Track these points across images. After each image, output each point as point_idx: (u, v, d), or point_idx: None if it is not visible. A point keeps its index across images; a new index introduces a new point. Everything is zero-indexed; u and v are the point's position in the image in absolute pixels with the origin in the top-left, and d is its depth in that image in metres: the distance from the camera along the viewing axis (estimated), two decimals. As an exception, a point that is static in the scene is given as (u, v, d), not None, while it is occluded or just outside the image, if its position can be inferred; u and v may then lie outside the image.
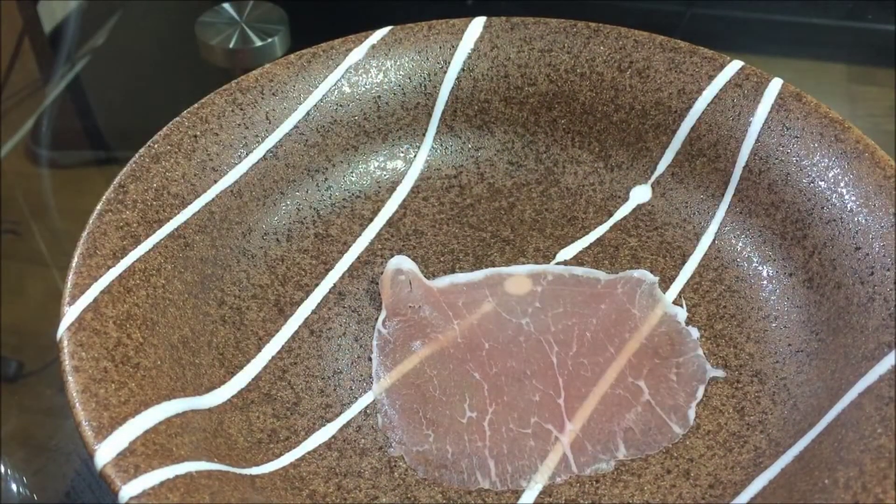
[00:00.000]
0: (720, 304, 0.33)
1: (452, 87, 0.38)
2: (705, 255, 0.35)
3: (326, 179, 0.37)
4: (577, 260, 0.35)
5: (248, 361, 0.32)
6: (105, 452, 0.24)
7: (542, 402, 0.30)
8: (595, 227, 0.36)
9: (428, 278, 0.34)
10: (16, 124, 0.51)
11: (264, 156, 0.35)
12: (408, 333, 0.32)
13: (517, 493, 0.28)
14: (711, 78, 0.36)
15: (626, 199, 0.37)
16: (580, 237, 0.36)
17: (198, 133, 0.34)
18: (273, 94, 0.36)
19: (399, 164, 0.38)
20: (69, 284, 0.28)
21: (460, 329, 0.32)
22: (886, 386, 0.26)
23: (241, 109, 0.35)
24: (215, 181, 0.34)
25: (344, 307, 0.34)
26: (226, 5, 0.53)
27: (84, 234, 0.30)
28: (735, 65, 0.36)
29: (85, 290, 0.28)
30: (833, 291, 0.31)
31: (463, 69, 0.38)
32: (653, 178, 0.37)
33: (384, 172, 0.38)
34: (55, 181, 0.49)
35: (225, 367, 0.31)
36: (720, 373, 0.31)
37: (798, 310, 0.32)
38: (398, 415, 0.30)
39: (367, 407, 0.31)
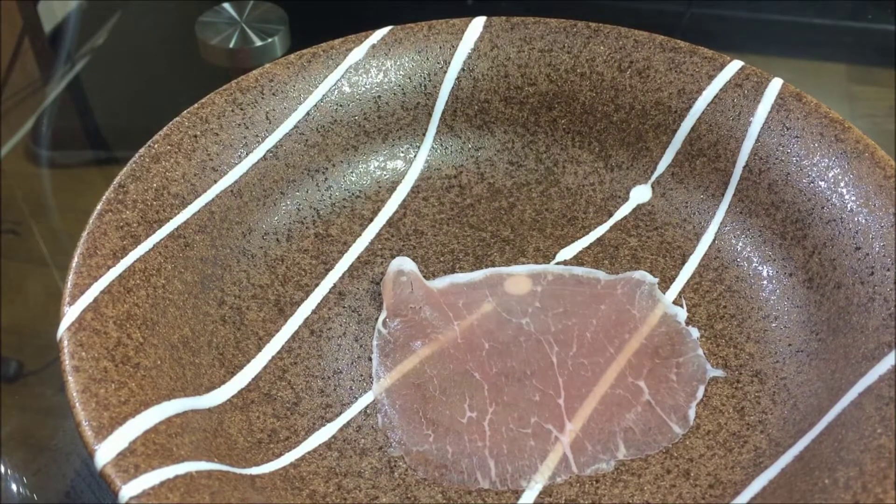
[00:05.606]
0: (720, 304, 0.33)
1: (452, 87, 0.38)
2: (705, 255, 0.35)
3: (326, 179, 0.37)
4: (577, 260, 0.35)
5: (248, 361, 0.32)
6: (105, 452, 0.24)
7: (542, 402, 0.30)
8: (595, 227, 0.36)
9: (428, 278, 0.34)
10: (16, 124, 0.51)
11: (264, 156, 0.35)
12: (408, 334, 0.32)
13: (517, 493, 0.28)
14: (711, 78, 0.36)
15: (626, 199, 0.37)
16: (580, 237, 0.36)
17: (198, 133, 0.34)
18: (273, 94, 0.36)
19: (399, 164, 0.38)
20: (69, 284, 0.28)
21: (460, 329, 0.32)
22: (886, 386, 0.26)
23: (241, 109, 0.35)
24: (215, 181, 0.34)
25: (344, 307, 0.34)
26: (226, 5, 0.53)
27: (84, 234, 0.30)
28: (735, 65, 0.36)
29: (85, 290, 0.28)
30: (833, 291, 0.31)
31: (463, 69, 0.38)
32: (653, 178, 0.37)
33: (384, 172, 0.38)
34: (55, 181, 0.49)
35: (225, 367, 0.31)
36: (720, 373, 0.31)
37: (798, 310, 0.32)
38: (398, 415, 0.30)
39: (367, 407, 0.31)
